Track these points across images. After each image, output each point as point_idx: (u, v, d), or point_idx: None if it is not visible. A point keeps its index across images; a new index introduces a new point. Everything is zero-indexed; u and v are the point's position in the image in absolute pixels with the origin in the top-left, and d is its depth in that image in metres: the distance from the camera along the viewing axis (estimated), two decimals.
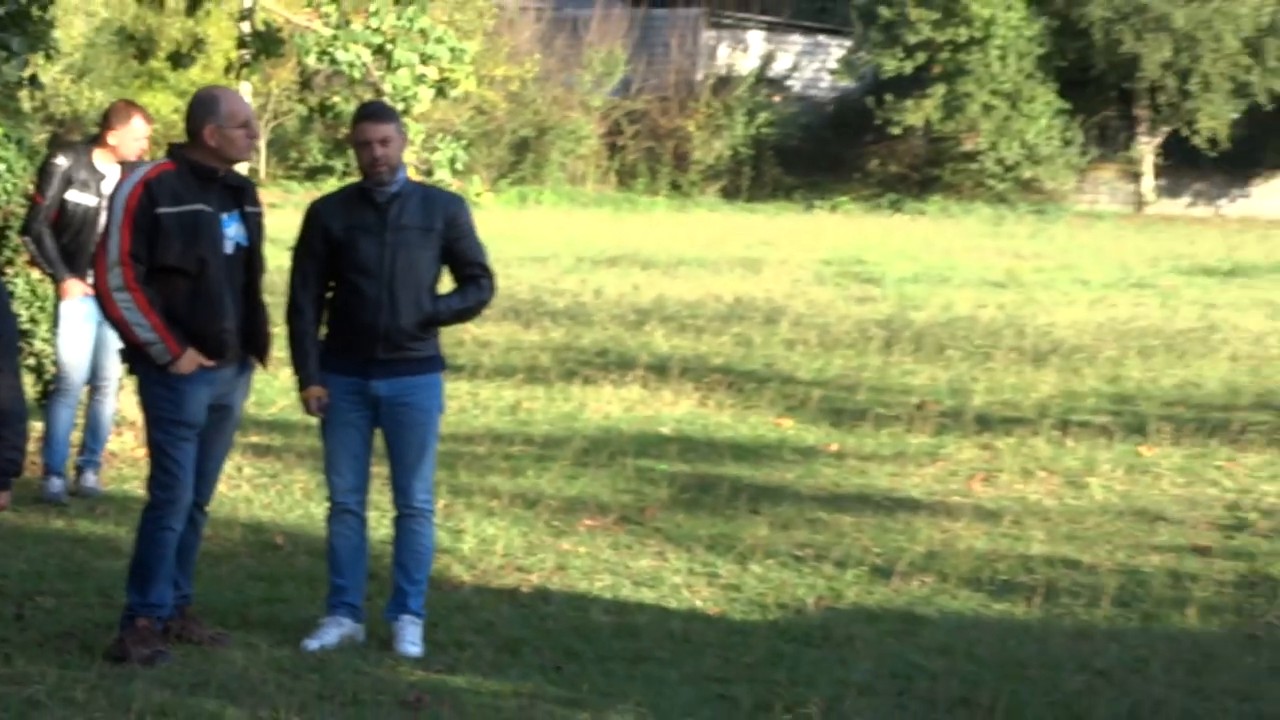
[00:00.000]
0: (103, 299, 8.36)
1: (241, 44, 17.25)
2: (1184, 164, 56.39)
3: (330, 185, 33.76)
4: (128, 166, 11.30)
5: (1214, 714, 8.15)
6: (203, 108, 8.39)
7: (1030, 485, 13.88)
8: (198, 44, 18.72)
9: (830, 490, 13.75)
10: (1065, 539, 12.07)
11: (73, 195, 11.82)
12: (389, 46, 16.12)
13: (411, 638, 8.81)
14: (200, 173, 8.28)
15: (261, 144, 43.73)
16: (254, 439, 14.52)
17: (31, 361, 13.14)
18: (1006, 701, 8.19)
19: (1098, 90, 56.22)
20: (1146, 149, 56.56)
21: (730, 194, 52.29)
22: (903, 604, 10.34)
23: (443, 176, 16.16)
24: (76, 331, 11.97)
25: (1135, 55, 53.50)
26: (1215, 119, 53.46)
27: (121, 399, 12.69)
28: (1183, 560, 11.46)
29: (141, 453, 11.24)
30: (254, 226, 8.59)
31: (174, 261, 8.24)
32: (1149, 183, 56.70)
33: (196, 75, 31.67)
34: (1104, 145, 57.13)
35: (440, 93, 16.72)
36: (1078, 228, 47.02)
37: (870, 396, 18.30)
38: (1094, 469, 14.47)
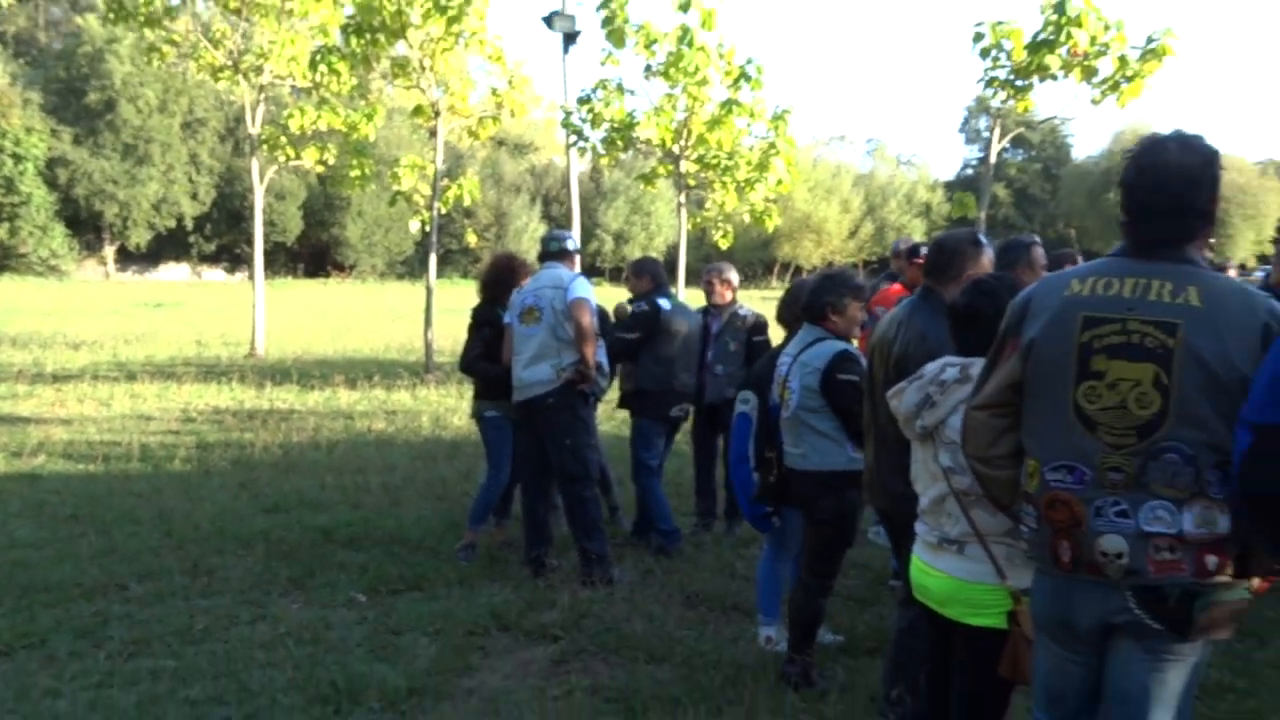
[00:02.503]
0: None
1: None
2: (128, 259, 52.13)
3: None
4: None
5: (196, 518, 6.94)
6: None
7: (84, 406, 11.69)
8: None
9: None
10: (106, 431, 10.13)
11: None
12: None
13: None
14: None
15: None
16: None
17: None
18: (94, 514, 6.84)
19: (88, 225, 49.00)
20: (109, 250, 51.54)
21: None
22: (29, 470, 8.28)
23: None
24: None
25: (104, 209, 48.01)
26: (138, 239, 49.46)
27: None
28: (181, 438, 9.72)
29: None
30: None
31: None
32: (112, 266, 51.71)
33: None
34: (88, 250, 50.97)
35: None
36: (83, 289, 41.12)
37: None
38: (114, 396, 12.40)
